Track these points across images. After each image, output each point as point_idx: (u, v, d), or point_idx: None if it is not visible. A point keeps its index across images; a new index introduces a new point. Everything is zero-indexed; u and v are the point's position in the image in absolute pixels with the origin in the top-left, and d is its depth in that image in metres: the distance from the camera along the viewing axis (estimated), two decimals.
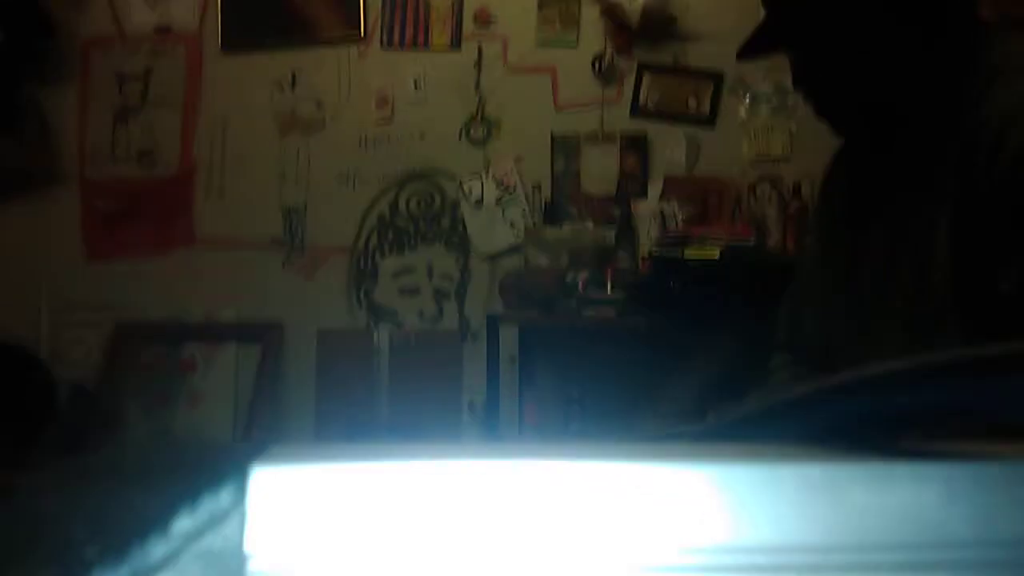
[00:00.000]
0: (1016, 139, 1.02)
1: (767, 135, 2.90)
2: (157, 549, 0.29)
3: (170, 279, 3.22)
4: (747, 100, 2.90)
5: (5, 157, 3.19)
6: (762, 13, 1.22)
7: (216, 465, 0.31)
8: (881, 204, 1.20)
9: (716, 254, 2.67)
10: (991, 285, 1.03)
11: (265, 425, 3.09)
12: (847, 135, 1.29)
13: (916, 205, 1.13)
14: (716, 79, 2.91)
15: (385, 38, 3.12)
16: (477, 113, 3.06)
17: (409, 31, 3.10)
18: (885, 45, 1.16)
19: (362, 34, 3.11)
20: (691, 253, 2.68)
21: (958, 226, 1.06)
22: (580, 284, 2.73)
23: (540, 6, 3.02)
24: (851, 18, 1.16)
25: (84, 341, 3.20)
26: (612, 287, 2.70)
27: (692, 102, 2.93)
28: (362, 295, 3.17)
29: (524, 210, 3.03)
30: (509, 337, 2.90)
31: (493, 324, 2.85)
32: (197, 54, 3.22)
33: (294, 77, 3.16)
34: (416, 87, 3.10)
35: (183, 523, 0.29)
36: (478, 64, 3.06)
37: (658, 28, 2.89)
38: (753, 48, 1.24)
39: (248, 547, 0.28)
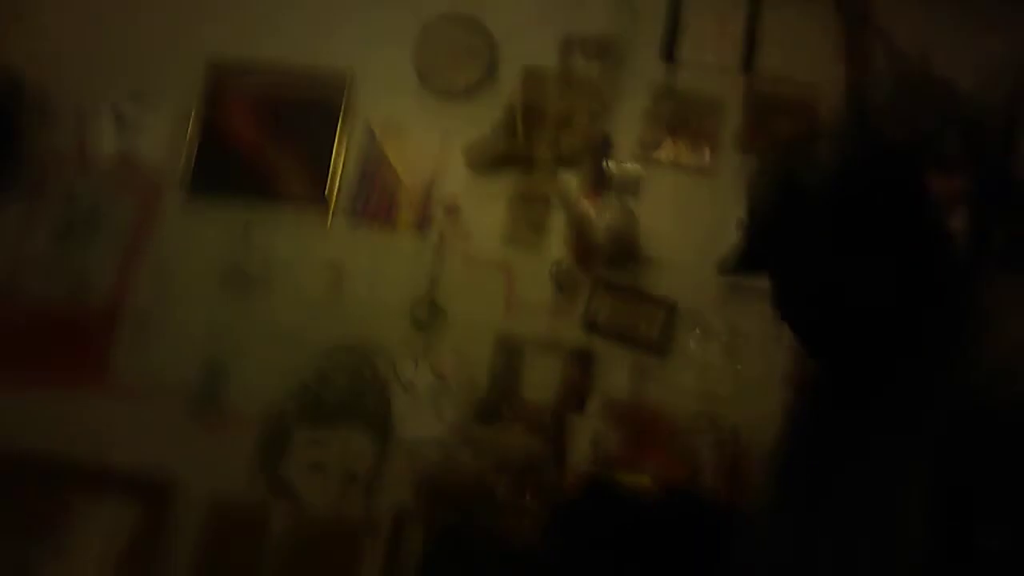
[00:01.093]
0: (1017, 382, 0.95)
1: (713, 373, 2.85)
2: None
3: (67, 413, 3.00)
4: (698, 334, 2.87)
5: None
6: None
7: None
8: (849, 445, 1.12)
9: (647, 481, 2.56)
10: (972, 540, 0.93)
11: None
12: (822, 366, 1.22)
13: (888, 449, 1.05)
14: (669, 308, 2.88)
15: (349, 209, 3.07)
16: (426, 297, 2.98)
17: (374, 206, 3.07)
18: (866, 278, 1.10)
19: (327, 201, 3.07)
20: (622, 477, 2.57)
21: (941, 474, 0.98)
22: (501, 489, 2.58)
23: (509, 206, 3.01)
24: (830, 247, 1.11)
25: None
26: (533, 497, 2.55)
27: (644, 326, 2.89)
28: (267, 464, 2.96)
29: (455, 403, 2.90)
30: (415, 537, 2.71)
31: (399, 521, 2.67)
32: (155, 191, 3.15)
33: (249, 231, 3.08)
34: (371, 260, 3.03)
35: None
36: (438, 249, 3.01)
37: (620, 248, 2.89)
38: (733, 264, 1.20)
39: None
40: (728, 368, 2.84)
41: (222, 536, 2.93)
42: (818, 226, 1.11)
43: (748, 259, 1.18)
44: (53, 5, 3.27)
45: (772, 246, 1.15)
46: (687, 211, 2.90)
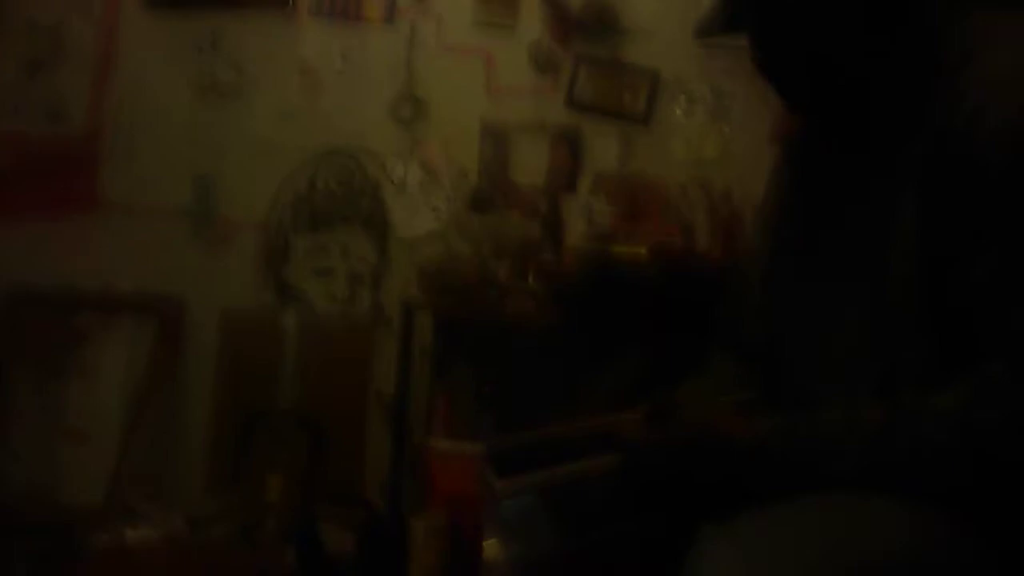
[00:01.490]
0: (995, 115, 0.96)
1: (700, 137, 2.86)
2: None
3: (67, 244, 3.02)
4: (683, 100, 2.85)
5: None
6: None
7: None
8: (842, 191, 1.14)
9: (643, 252, 2.62)
10: (962, 273, 0.97)
11: (159, 403, 2.93)
12: (806, 117, 1.22)
13: (881, 192, 1.07)
14: (653, 77, 2.86)
15: (315, 6, 2.98)
16: (405, 91, 2.94)
17: (341, 1, 2.97)
18: (849, 22, 1.08)
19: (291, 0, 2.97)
20: (618, 250, 2.62)
21: (927, 211, 1.00)
22: (502, 274, 2.64)
23: None
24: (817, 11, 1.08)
25: None
26: (535, 280, 2.62)
27: (628, 98, 2.87)
28: (271, 273, 3.02)
29: (448, 196, 2.92)
30: (424, 326, 2.79)
31: (408, 312, 2.75)
32: (115, 8, 3.03)
33: (215, 40, 3.00)
34: (344, 60, 2.97)
35: None
36: (410, 41, 2.95)
37: (598, 21, 2.83)
38: (712, 26, 1.17)
39: None
40: (715, 131, 2.85)
41: (236, 344, 3.02)
42: None
43: (727, 19, 1.15)
44: None
45: (754, 5, 1.13)
46: None
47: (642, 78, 2.86)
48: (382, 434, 2.90)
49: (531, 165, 2.90)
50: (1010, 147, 0.95)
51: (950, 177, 0.98)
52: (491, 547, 1.17)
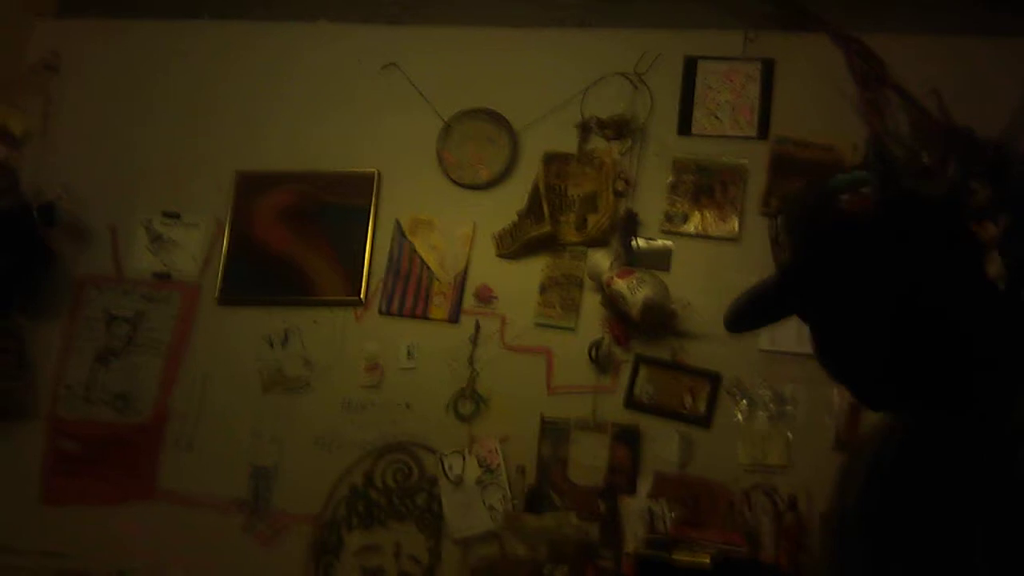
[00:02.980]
0: None
1: (763, 442, 2.81)
2: None
3: (122, 531, 3.01)
4: (744, 404, 2.83)
5: None
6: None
7: None
8: (924, 501, 1.09)
9: (706, 561, 2.51)
10: None
11: None
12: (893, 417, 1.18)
13: (953, 508, 1.02)
14: (713, 379, 2.86)
15: (384, 305, 3.10)
16: (467, 387, 2.98)
17: (409, 300, 3.09)
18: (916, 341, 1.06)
19: (362, 298, 3.10)
20: (680, 557, 2.52)
21: (988, 531, 0.95)
22: None
23: (542, 289, 3.02)
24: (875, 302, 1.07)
25: None
26: None
27: (688, 399, 2.86)
28: (320, 570, 2.94)
29: (505, 494, 2.87)
30: None
31: None
32: (192, 303, 3.19)
33: (287, 335, 3.11)
34: (409, 355, 3.04)
35: None
36: (474, 339, 3.02)
37: (658, 323, 2.88)
38: (740, 322, 1.14)
39: None
40: (778, 436, 2.80)
41: None
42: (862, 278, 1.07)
43: (747, 318, 1.14)
44: (84, 132, 3.36)
45: (806, 295, 1.11)
46: (720, 280, 2.87)
47: (702, 379, 2.86)
48: None
49: (590, 464, 2.86)
50: None
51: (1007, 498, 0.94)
52: None
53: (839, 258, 1.05)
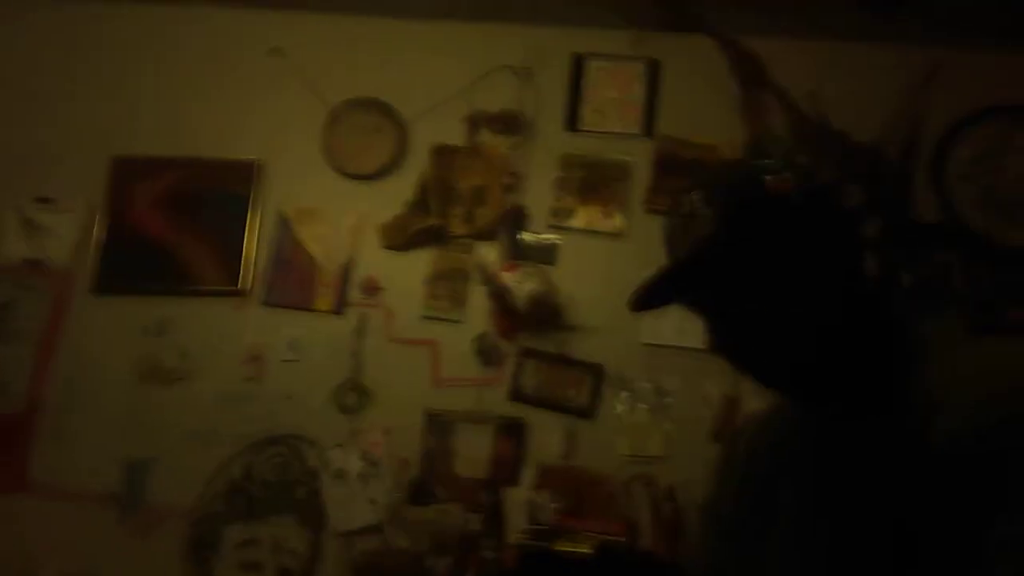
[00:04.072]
0: (942, 427, 0.98)
1: (643, 433, 2.86)
2: None
3: None
4: (625, 396, 2.88)
5: None
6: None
7: None
8: (817, 480, 1.12)
9: (587, 550, 2.53)
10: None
11: None
12: (781, 396, 1.20)
13: (856, 484, 1.06)
14: (597, 371, 2.90)
15: (266, 296, 3.04)
16: (351, 379, 2.95)
17: (292, 291, 3.04)
18: (810, 309, 1.08)
19: (242, 288, 3.03)
20: (562, 546, 2.54)
21: (888, 513, 1.00)
22: (440, 570, 2.53)
23: (428, 282, 3.01)
24: (776, 280, 1.09)
25: None
26: None
27: (572, 392, 2.90)
28: (196, 565, 2.87)
29: (388, 487, 2.85)
30: None
31: None
32: (65, 291, 3.07)
33: (163, 325, 3.02)
34: (291, 348, 2.99)
35: None
36: (359, 331, 2.99)
37: (543, 316, 2.90)
38: (650, 298, 1.15)
39: None
40: (657, 428, 2.86)
41: None
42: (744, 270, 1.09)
43: (658, 294, 1.14)
44: None
45: (692, 284, 1.13)
46: (605, 275, 2.93)
47: (585, 372, 2.90)
48: None
49: (474, 456, 2.86)
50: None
51: (910, 480, 0.98)
52: None
53: (761, 232, 1.07)
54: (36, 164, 3.17)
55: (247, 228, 3.07)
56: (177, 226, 3.09)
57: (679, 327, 2.78)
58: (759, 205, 1.08)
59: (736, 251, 1.06)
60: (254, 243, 3.07)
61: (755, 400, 2.94)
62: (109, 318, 3.04)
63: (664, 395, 2.87)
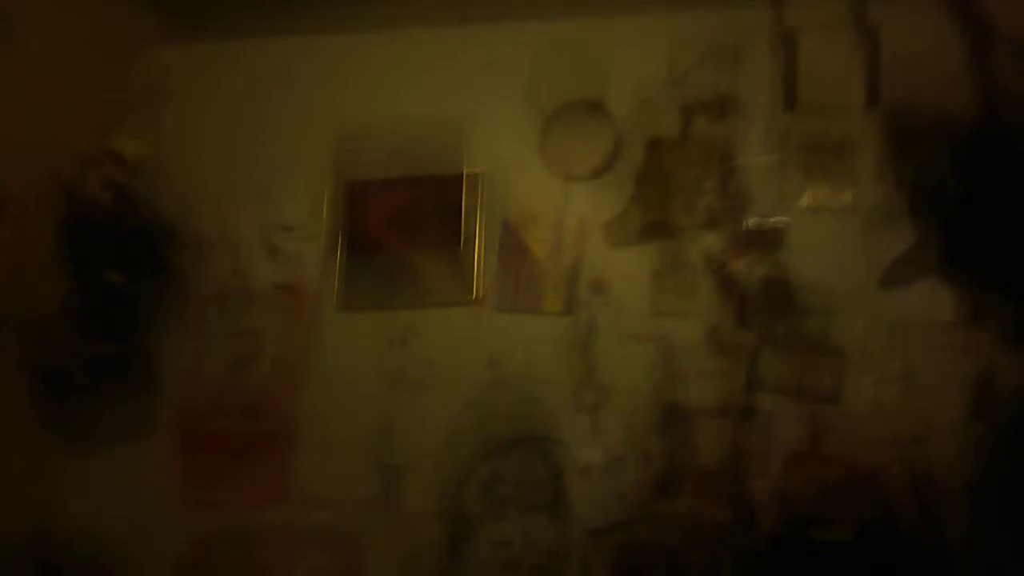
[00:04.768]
0: None
1: (895, 415, 2.75)
2: None
3: (256, 536, 3.10)
4: (873, 377, 2.78)
5: (113, 403, 3.20)
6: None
7: None
8: None
9: (844, 535, 2.48)
10: None
11: None
12: None
13: None
14: (838, 355, 2.81)
15: (498, 302, 3.13)
16: (587, 378, 2.99)
17: (522, 296, 3.12)
18: None
19: (475, 296, 3.13)
20: (817, 534, 2.49)
21: None
22: (694, 564, 2.53)
23: (655, 276, 3.01)
24: None
25: None
26: (730, 567, 2.50)
27: (814, 377, 2.83)
28: (453, 566, 2.98)
29: (633, 483, 2.87)
30: None
31: None
32: (313, 312, 3.27)
33: (405, 336, 3.16)
34: (527, 351, 3.06)
35: None
36: (590, 330, 3.03)
37: (777, 302, 2.85)
38: (908, 273, 1.11)
39: None
40: (909, 408, 2.74)
41: None
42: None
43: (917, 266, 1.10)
44: (195, 154, 3.46)
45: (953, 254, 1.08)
46: (838, 254, 2.84)
47: (826, 356, 2.82)
48: None
49: (717, 448, 2.84)
50: None
51: None
52: None
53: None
54: (276, 192, 3.38)
55: (476, 238, 3.18)
56: (410, 241, 3.24)
57: (928, 300, 2.65)
58: (1010, 166, 1.03)
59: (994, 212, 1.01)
60: (482, 251, 3.17)
61: (1012, 375, 2.79)
62: (355, 334, 3.21)
63: (914, 374, 2.75)
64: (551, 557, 2.91)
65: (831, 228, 2.91)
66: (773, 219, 2.95)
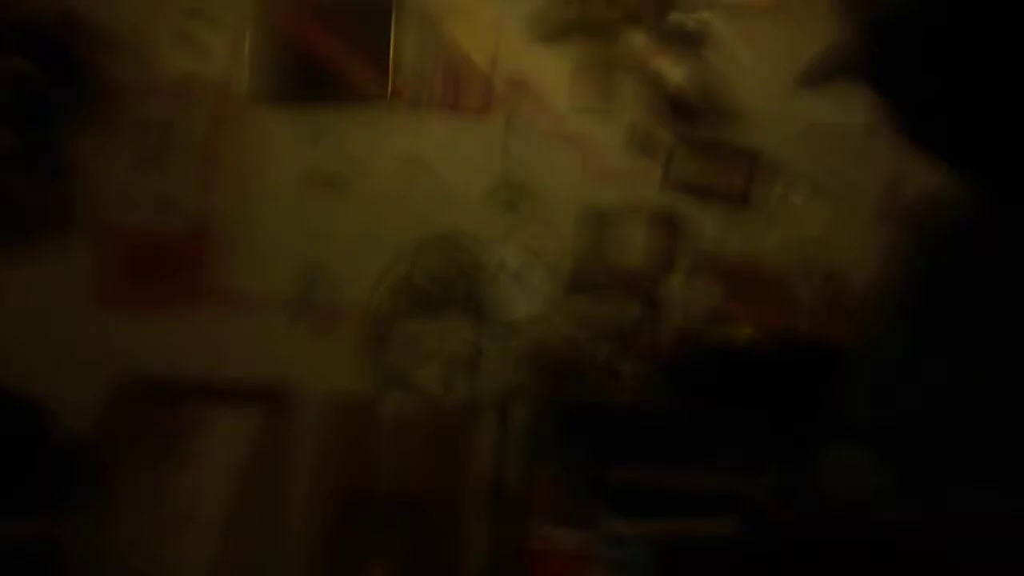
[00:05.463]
0: None
1: (802, 217, 2.81)
2: None
3: (173, 334, 3.11)
4: (784, 180, 2.82)
5: (20, 197, 3.11)
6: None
7: None
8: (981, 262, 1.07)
9: (748, 333, 2.56)
10: None
11: (262, 491, 2.96)
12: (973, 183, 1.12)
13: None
14: (753, 157, 2.83)
15: (415, 97, 3.06)
16: (504, 176, 2.98)
17: (439, 91, 3.04)
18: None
19: (391, 92, 3.05)
20: (722, 331, 2.58)
21: None
22: (603, 356, 2.61)
23: (576, 73, 2.96)
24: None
25: (82, 392, 3.07)
26: (637, 363, 2.59)
27: (727, 179, 2.85)
28: (373, 360, 3.05)
29: (548, 279, 2.92)
30: (523, 411, 2.77)
31: (508, 396, 2.73)
32: (223, 103, 3.16)
33: (319, 133, 3.09)
34: (443, 148, 3.02)
35: None
36: (508, 127, 2.99)
37: (698, 102, 2.83)
38: (823, 74, 1.09)
39: None
40: (817, 211, 2.80)
41: (339, 431, 3.03)
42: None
43: (833, 69, 1.07)
44: None
45: (874, 58, 1.03)
46: (762, 55, 2.80)
47: (742, 158, 2.84)
48: (483, 521, 2.86)
49: (631, 246, 2.88)
50: None
51: None
52: None
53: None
54: None
55: (392, 30, 3.06)
56: (326, 34, 3.11)
57: (841, 104, 2.65)
58: None
59: (928, 21, 0.97)
60: (400, 46, 3.06)
61: (921, 180, 2.84)
62: (268, 129, 3.12)
63: (825, 177, 2.79)
64: (466, 349, 2.98)
65: (755, 27, 2.86)
66: (696, 16, 2.89)
